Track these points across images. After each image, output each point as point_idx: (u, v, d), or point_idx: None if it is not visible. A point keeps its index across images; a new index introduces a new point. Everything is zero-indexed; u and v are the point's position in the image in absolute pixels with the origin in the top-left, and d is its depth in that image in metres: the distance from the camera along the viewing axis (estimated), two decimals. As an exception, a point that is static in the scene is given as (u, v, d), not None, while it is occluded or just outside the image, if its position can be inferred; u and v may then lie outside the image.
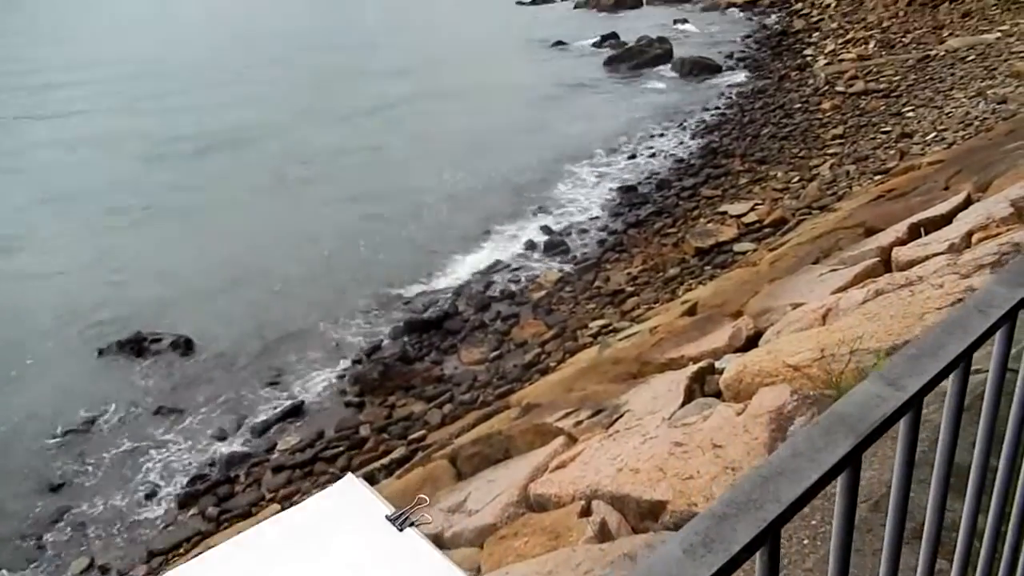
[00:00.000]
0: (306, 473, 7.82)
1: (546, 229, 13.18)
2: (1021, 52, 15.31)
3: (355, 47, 38.25)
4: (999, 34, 17.29)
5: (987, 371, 0.94)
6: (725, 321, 5.02)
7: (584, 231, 13.08)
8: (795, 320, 3.93)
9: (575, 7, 47.49)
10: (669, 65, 25.20)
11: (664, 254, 10.99)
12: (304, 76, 30.69)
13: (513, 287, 11.33)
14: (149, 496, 7.93)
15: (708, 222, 11.59)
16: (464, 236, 13.32)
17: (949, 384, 0.87)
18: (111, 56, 35.48)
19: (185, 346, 10.22)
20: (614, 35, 31.69)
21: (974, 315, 0.86)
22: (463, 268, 12.17)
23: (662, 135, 18.04)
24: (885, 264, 4.56)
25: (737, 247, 10.28)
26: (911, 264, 4.03)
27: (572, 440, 3.94)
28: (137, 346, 10.24)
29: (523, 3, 53.40)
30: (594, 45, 31.35)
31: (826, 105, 16.18)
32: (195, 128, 22.21)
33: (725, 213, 11.66)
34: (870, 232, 5.99)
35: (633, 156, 16.65)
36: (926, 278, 3.50)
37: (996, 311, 0.86)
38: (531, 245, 12.69)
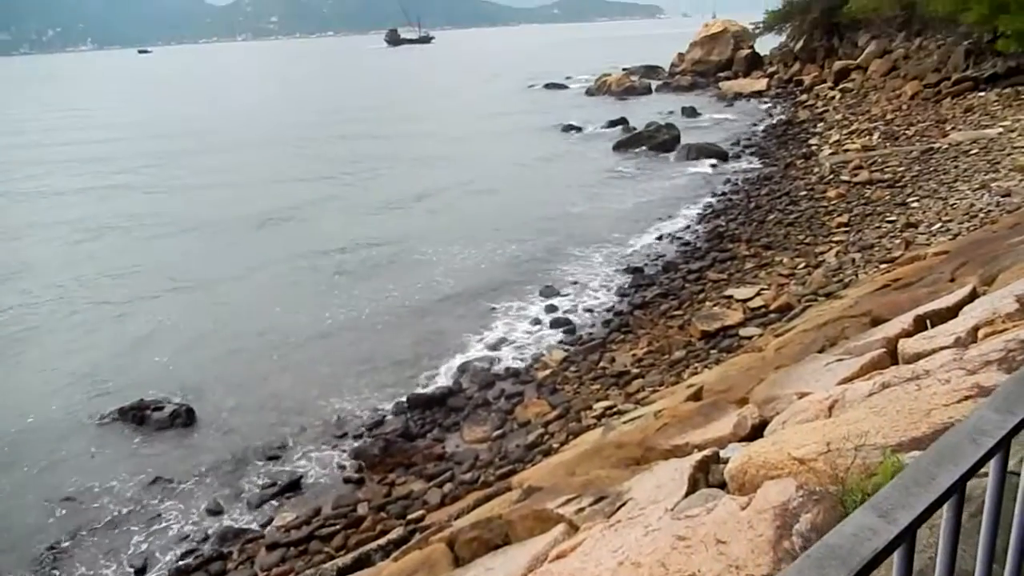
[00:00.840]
0: (301, 552, 7.61)
1: (552, 308, 13.22)
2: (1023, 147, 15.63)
3: (370, 127, 39.34)
4: (1001, 129, 17.68)
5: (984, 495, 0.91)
6: (730, 408, 4.96)
7: (590, 311, 13.10)
8: (801, 410, 3.89)
9: (586, 93, 49.01)
10: (676, 150, 25.76)
11: (670, 336, 10.97)
12: (319, 151, 31.46)
13: (518, 365, 11.28)
14: (139, 571, 7.71)
15: (714, 305, 11.62)
16: (471, 313, 13.38)
17: (944, 514, 0.84)
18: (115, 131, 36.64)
19: (187, 415, 10.14)
20: (624, 120, 32.56)
21: (967, 443, 0.84)
22: (469, 344, 12.16)
23: (669, 218, 18.29)
24: (891, 355, 4.54)
25: (743, 332, 10.26)
26: (918, 357, 4.01)
27: (573, 528, 3.85)
28: (139, 414, 10.17)
29: (535, 87, 55.19)
30: (604, 129, 32.14)
31: (832, 193, 16.43)
32: (205, 206, 22.69)
33: (731, 297, 11.70)
34: (876, 322, 5.98)
35: (640, 238, 16.84)
36: (933, 372, 3.47)
37: (988, 440, 0.84)
38: (537, 323, 12.71)
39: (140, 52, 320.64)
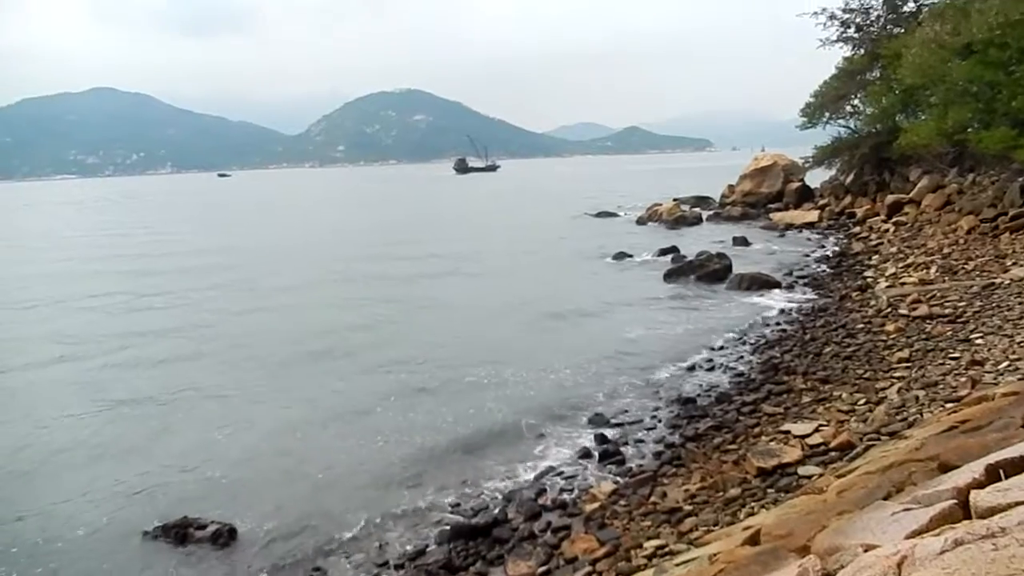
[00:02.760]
0: None
1: (601, 438, 12.94)
2: (1090, 285, 15.18)
3: (431, 247, 40.51)
4: (1064, 266, 17.28)
5: None
6: (791, 558, 4.69)
7: (640, 442, 12.79)
8: (868, 566, 3.65)
9: (637, 222, 50.03)
10: (728, 280, 25.78)
11: (724, 472, 10.58)
12: (378, 271, 32.35)
13: (565, 496, 10.95)
14: None
15: (770, 440, 11.22)
16: (519, 439, 13.19)
17: None
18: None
19: (228, 535, 10.03)
20: (674, 249, 32.90)
21: None
22: (516, 472, 11.92)
23: (722, 348, 18.07)
24: (963, 507, 4.28)
25: (802, 470, 9.83)
26: (992, 511, 3.77)
27: None
28: (182, 532, 10.11)
29: (587, 215, 56.58)
30: (654, 257, 32.48)
31: (890, 327, 16.07)
32: (261, 324, 23.34)
33: (788, 432, 11.30)
34: (944, 468, 5.68)
35: (692, 368, 16.61)
36: (1010, 531, 3.25)
37: None
38: (585, 453, 12.43)
39: (220, 176, 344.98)
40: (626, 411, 14.23)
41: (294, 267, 35.87)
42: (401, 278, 30.70)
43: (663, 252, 32.79)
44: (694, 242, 36.01)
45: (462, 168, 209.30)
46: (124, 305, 27.28)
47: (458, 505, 10.90)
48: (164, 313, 25.42)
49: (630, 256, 33.44)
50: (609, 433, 13.16)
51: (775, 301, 22.58)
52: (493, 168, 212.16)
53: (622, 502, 10.37)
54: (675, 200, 54.61)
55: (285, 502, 11.06)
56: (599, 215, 55.74)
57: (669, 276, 27.51)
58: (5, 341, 22.11)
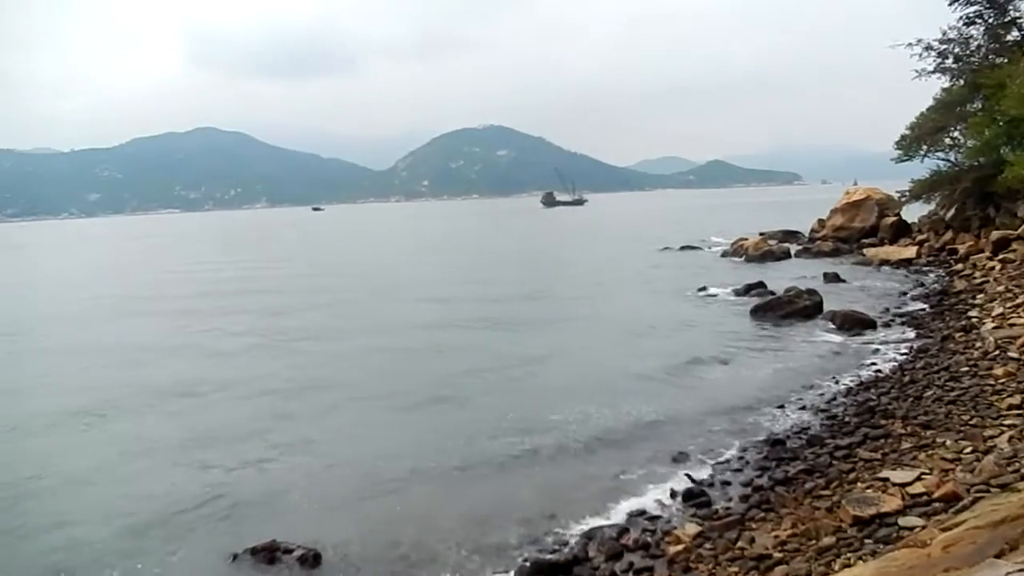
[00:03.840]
0: None
1: (686, 477, 12.61)
2: None
3: (515, 281, 40.84)
4: None
5: None
6: (894, 614, 4.43)
7: (726, 483, 12.38)
8: (983, 628, 3.41)
9: (721, 255, 49.08)
10: (819, 318, 24.87)
11: (817, 519, 10.09)
12: (457, 303, 32.75)
13: (648, 537, 10.67)
14: None
15: (867, 488, 10.65)
16: (601, 475, 12.99)
17: None
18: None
19: (313, 560, 10.23)
20: (761, 284, 32.04)
21: None
22: (597, 509, 11.71)
23: (812, 387, 17.38)
24: (1091, 569, 3.95)
25: (902, 521, 9.28)
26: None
27: None
28: (269, 555, 10.36)
29: (671, 249, 55.91)
30: (740, 294, 31.69)
31: (998, 371, 15.10)
32: (348, 348, 23.91)
33: (887, 480, 10.70)
34: (1066, 525, 5.27)
35: (781, 406, 16.03)
36: None
37: None
38: (669, 493, 12.12)
39: (314, 209, 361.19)
40: (711, 450, 13.83)
41: (395, 295, 36.74)
42: (487, 310, 30.93)
43: (749, 288, 31.93)
44: (782, 277, 34.95)
45: (549, 202, 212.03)
46: (239, 333, 28.52)
47: (537, 540, 10.79)
48: (270, 341, 26.43)
49: (714, 291, 32.75)
50: (693, 473, 12.81)
51: (870, 341, 21.61)
52: (580, 202, 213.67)
53: (707, 545, 10.04)
54: (761, 234, 53.39)
55: (368, 530, 11.20)
56: (683, 249, 54.98)
57: (756, 312, 26.74)
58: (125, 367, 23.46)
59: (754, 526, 10.43)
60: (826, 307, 25.69)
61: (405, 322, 29.25)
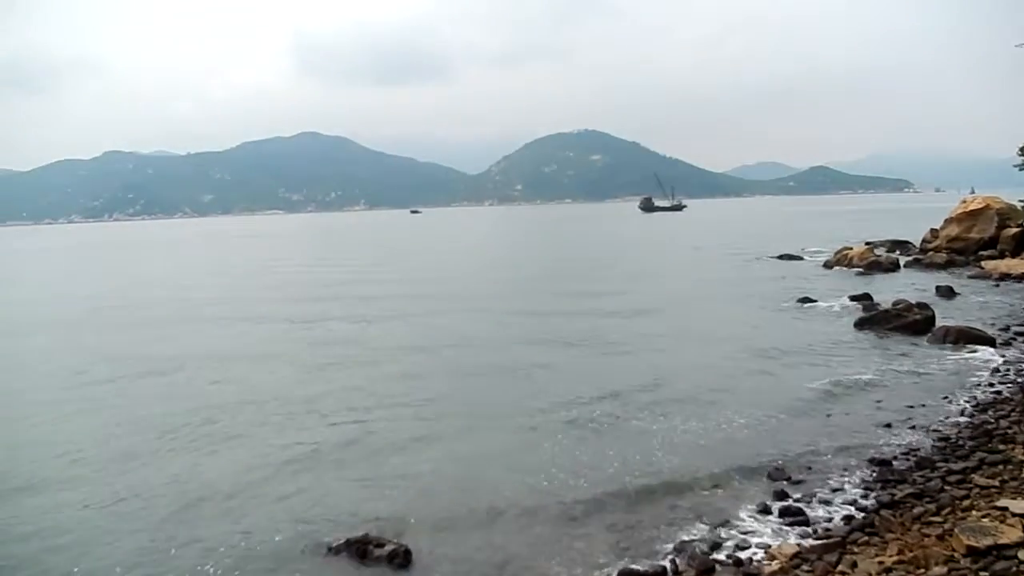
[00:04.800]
0: None
1: (781, 494, 12.14)
2: None
3: (603, 287, 40.57)
4: None
5: None
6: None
7: (826, 503, 11.84)
8: None
9: (823, 265, 47.22)
10: (931, 333, 23.49)
11: (926, 547, 9.51)
12: (555, 307, 32.77)
13: (741, 554, 10.33)
14: None
15: (983, 516, 9.96)
16: (691, 488, 12.66)
17: None
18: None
19: (404, 557, 10.39)
20: (867, 296, 30.65)
21: None
22: (687, 522, 11.42)
23: (922, 406, 16.43)
24: None
25: (1022, 554, 8.64)
26: None
27: None
28: (362, 548, 10.61)
29: (769, 257, 54.22)
30: (843, 304, 30.35)
31: None
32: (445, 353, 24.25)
33: (1006, 509, 9.97)
34: None
35: (888, 426, 15.21)
36: None
37: None
38: (764, 508, 11.69)
39: (412, 212, 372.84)
40: (810, 467, 13.26)
41: (495, 300, 37.16)
42: (584, 316, 30.75)
43: (854, 299, 30.53)
44: (889, 289, 33.29)
45: (648, 207, 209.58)
46: (359, 327, 29.58)
47: (627, 549, 10.62)
48: (379, 335, 27.24)
49: (815, 301, 31.47)
50: (790, 489, 12.32)
51: (988, 359, 20.25)
52: (679, 207, 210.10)
53: (805, 567, 9.62)
54: (868, 244, 51.02)
55: (458, 530, 11.31)
56: (782, 258, 53.17)
57: (861, 325, 25.51)
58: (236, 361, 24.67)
59: (856, 550, 9.93)
60: (938, 322, 24.25)
61: (503, 333, 29.45)
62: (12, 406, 19.51)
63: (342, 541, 10.82)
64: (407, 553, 10.48)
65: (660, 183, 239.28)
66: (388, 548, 10.55)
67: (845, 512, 11.34)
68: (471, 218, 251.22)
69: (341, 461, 14.41)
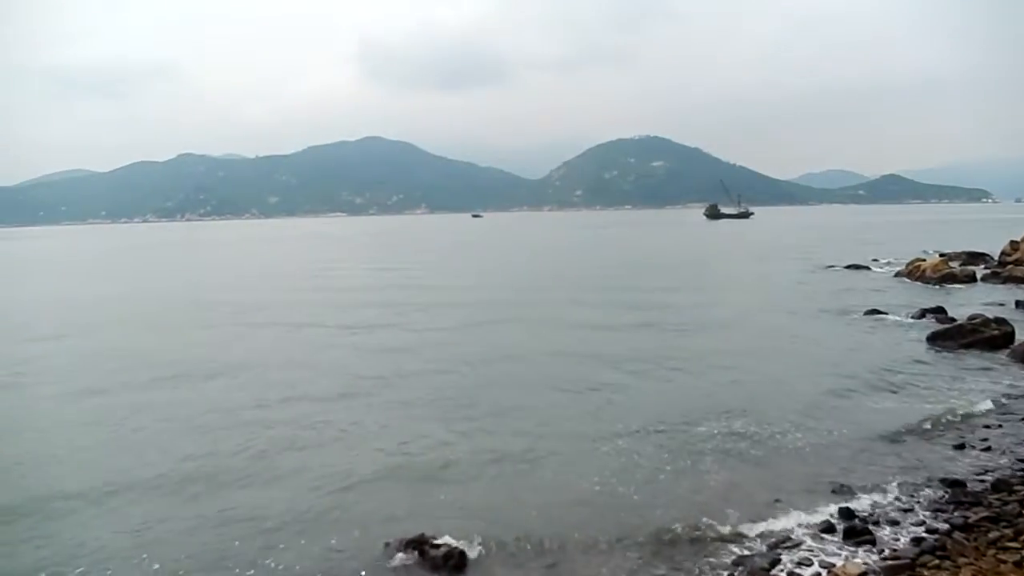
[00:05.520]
0: None
1: (846, 512, 11.73)
2: None
3: (665, 294, 40.12)
4: None
5: None
6: None
7: (894, 523, 11.39)
8: None
9: (893, 276, 45.73)
10: (1010, 349, 22.41)
11: (1002, 573, 9.06)
12: (613, 314, 32.54)
13: (803, 571, 10.03)
14: None
15: (1065, 544, 9.44)
16: (749, 501, 12.35)
17: None
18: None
19: (459, 558, 10.41)
20: (940, 310, 29.49)
21: None
22: (745, 536, 11.14)
23: (999, 426, 15.68)
24: None
25: (1110, 585, 8.14)
26: None
27: None
28: (418, 547, 10.67)
29: (836, 267, 52.77)
30: (915, 318, 29.27)
31: None
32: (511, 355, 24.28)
33: (1090, 538, 9.44)
34: None
35: (961, 446, 14.55)
36: None
37: None
38: (827, 526, 11.32)
39: (474, 216, 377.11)
40: (877, 485, 12.78)
41: (559, 309, 37.18)
42: (647, 326, 30.30)
43: (926, 312, 29.38)
44: (965, 303, 31.93)
45: (713, 214, 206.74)
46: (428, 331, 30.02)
47: (682, 561, 10.42)
48: (438, 337, 27.55)
49: (884, 314, 30.40)
50: (856, 508, 11.90)
51: (1072, 378, 19.21)
52: (746, 215, 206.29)
53: (871, 588, 9.28)
54: (942, 255, 49.07)
55: (512, 537, 11.25)
56: (850, 268, 51.60)
57: (934, 339, 24.49)
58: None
59: (927, 573, 9.52)
60: (1018, 338, 23.12)
61: (565, 344, 29.33)
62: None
63: (398, 540, 10.91)
64: (462, 555, 10.50)
65: (726, 190, 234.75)
66: (444, 549, 10.59)
67: (915, 533, 10.90)
68: (532, 223, 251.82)
69: (399, 464, 14.49)
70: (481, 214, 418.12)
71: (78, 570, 10.35)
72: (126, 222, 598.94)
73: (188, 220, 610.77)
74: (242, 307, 38.67)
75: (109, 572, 10.30)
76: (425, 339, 27.72)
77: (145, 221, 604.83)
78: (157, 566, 10.39)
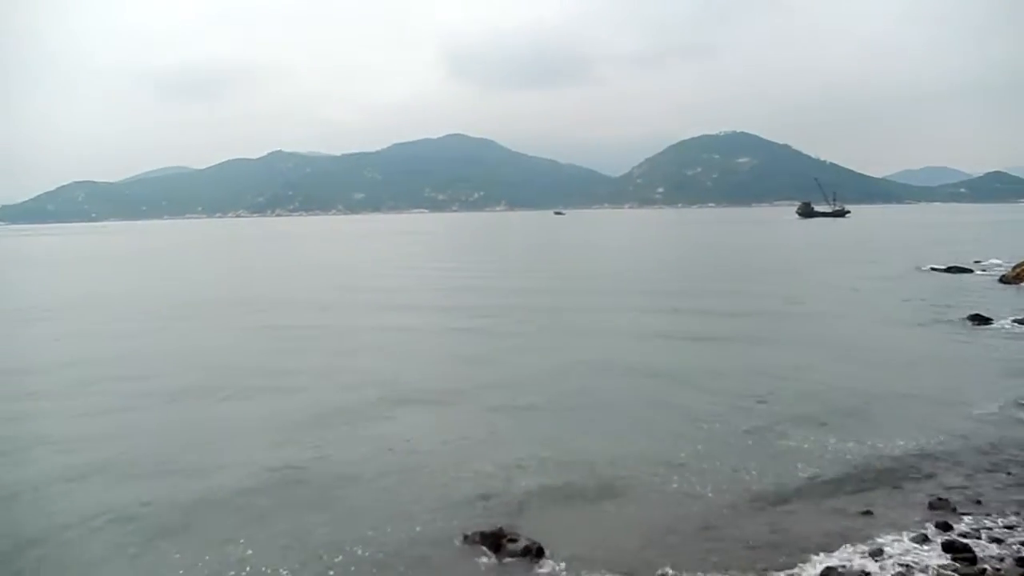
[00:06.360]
0: None
1: (945, 526, 11.18)
2: None
3: (758, 295, 39.18)
4: None
5: None
6: None
7: (997, 540, 10.79)
8: None
9: (999, 280, 43.22)
10: None
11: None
12: (699, 320, 32.03)
13: (897, 586, 9.61)
14: None
15: None
16: (840, 510, 11.94)
17: None
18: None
19: (536, 554, 10.46)
20: (1051, 316, 27.62)
21: None
22: (835, 545, 10.75)
23: (1118, 443, 14.60)
24: None
25: None
26: None
27: None
28: (496, 541, 10.78)
29: (936, 270, 50.29)
30: (1021, 324, 27.57)
31: None
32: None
33: None
34: None
35: (1073, 461, 13.65)
36: None
37: None
38: (922, 538, 10.84)
39: (556, 213, 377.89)
40: (978, 502, 12.12)
41: (654, 316, 36.90)
42: (742, 335, 29.50)
43: (1035, 318, 27.62)
44: (1079, 310, 29.84)
45: (807, 212, 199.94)
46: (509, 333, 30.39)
47: (766, 570, 10.13)
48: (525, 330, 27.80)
49: (989, 320, 28.72)
50: (954, 521, 11.33)
51: None
52: (841, 213, 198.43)
53: (971, 607, 8.81)
54: (1054, 258, 45.97)
55: (592, 531, 11.25)
56: (949, 270, 48.98)
57: (1043, 348, 23.04)
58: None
59: (1033, 595, 8.98)
60: None
61: (657, 349, 29.07)
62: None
63: (476, 532, 11.05)
64: (539, 551, 10.53)
65: (820, 187, 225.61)
66: (522, 543, 10.66)
67: (1021, 554, 10.27)
68: (616, 220, 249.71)
69: (482, 455, 14.69)
70: (563, 212, 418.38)
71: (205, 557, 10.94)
72: (220, 216, 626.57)
73: (278, 215, 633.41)
74: (387, 292, 39.90)
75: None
76: (521, 343, 27.89)
77: (238, 216, 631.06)
78: (254, 548, 10.89)
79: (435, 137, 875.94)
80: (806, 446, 14.84)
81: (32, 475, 14.06)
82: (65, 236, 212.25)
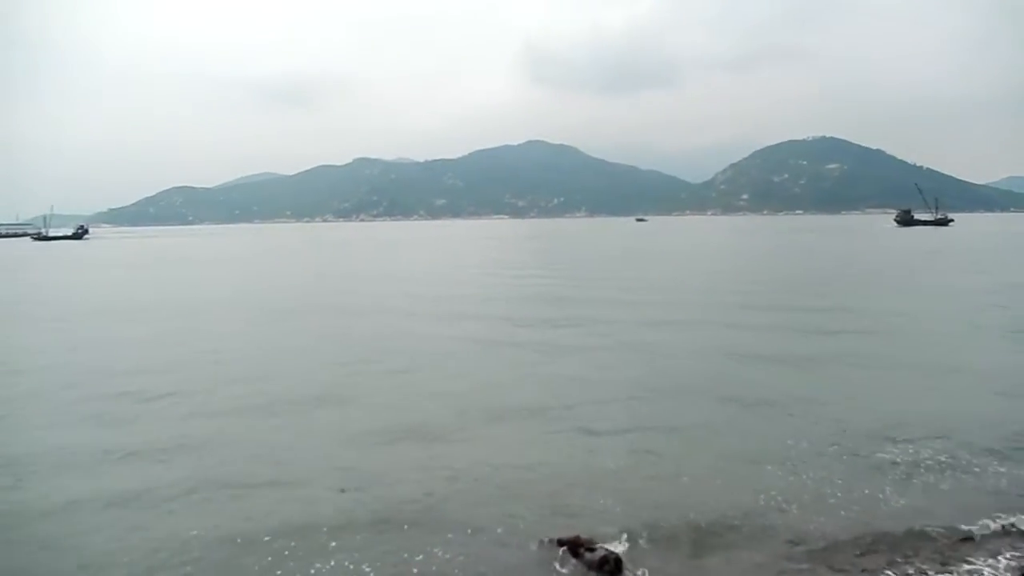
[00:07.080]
0: None
1: (1055, 550, 10.44)
2: None
3: (853, 310, 37.84)
4: None
5: None
6: None
7: None
8: None
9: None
10: None
11: None
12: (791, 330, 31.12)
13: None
14: None
15: None
16: (933, 537, 11.19)
17: None
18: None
19: (614, 565, 10.26)
20: None
21: None
22: (929, 572, 10.23)
23: None
24: None
25: None
26: None
27: None
28: (574, 548, 10.64)
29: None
30: None
31: None
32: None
33: None
34: None
35: None
36: None
37: None
38: (1028, 571, 10.15)
39: (638, 220, 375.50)
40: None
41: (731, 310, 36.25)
42: (843, 345, 28.83)
43: None
44: None
45: (906, 220, 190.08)
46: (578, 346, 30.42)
47: (845, 574, 9.71)
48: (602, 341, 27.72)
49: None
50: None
51: None
52: (944, 222, 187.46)
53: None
54: None
55: (672, 548, 10.93)
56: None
57: None
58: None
59: None
60: None
61: (742, 368, 28.47)
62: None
63: (553, 539, 10.97)
64: (618, 562, 10.38)
65: (920, 193, 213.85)
66: (599, 553, 10.53)
67: None
68: (701, 227, 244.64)
69: (563, 462, 14.54)
70: (645, 218, 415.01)
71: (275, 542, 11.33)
72: (308, 221, 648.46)
73: (362, 220, 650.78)
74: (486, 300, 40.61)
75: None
76: (603, 355, 27.78)
77: (324, 220, 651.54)
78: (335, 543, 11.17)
79: (515, 143, 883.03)
80: (899, 461, 14.04)
81: (154, 483, 14.75)
82: (166, 238, 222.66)
